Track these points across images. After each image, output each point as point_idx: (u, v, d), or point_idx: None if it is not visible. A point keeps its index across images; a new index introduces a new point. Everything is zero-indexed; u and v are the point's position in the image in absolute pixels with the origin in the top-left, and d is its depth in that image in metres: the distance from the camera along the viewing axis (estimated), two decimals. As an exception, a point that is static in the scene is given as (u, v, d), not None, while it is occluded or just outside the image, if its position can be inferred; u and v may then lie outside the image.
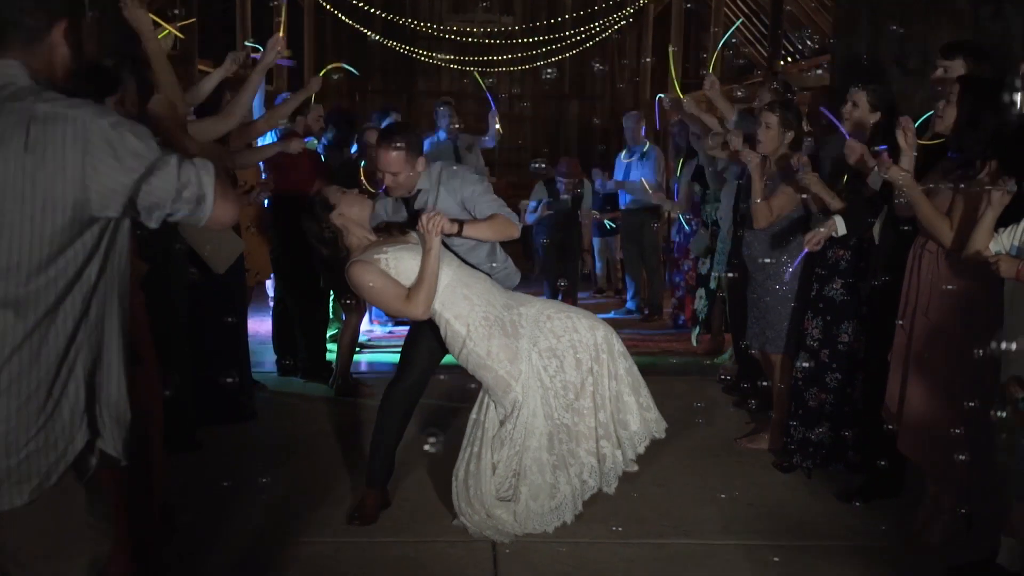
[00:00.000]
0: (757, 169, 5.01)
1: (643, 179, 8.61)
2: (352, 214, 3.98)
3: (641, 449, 4.24)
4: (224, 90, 5.26)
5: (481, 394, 4.16)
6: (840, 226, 4.48)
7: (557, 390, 4.07)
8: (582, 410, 4.12)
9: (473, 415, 4.17)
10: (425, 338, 4.24)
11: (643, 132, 9.06)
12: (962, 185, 3.81)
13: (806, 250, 4.57)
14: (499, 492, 4.05)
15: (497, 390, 4.02)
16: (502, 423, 4.05)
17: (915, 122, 4.27)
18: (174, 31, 4.62)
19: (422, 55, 15.83)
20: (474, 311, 3.96)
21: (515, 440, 4.01)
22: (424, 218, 3.81)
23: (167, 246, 4.53)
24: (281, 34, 4.43)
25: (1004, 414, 3.32)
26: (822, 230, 4.50)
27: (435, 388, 5.01)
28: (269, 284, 7.16)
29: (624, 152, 9.18)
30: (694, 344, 7.76)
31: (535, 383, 4.03)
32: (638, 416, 4.19)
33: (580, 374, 4.10)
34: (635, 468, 4.31)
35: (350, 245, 4.00)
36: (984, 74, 4.09)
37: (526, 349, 4.04)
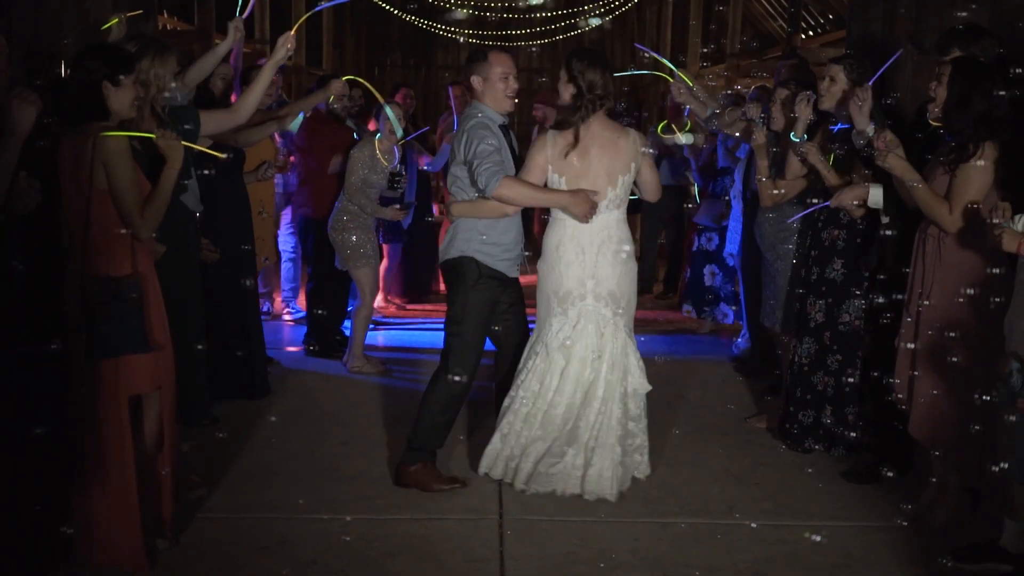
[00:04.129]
0: (761, 149, 5.01)
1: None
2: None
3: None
4: (231, 85, 5.28)
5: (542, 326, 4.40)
6: (878, 197, 4.33)
7: (585, 357, 4.32)
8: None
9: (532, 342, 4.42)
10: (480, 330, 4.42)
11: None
12: (955, 168, 3.80)
13: (828, 202, 4.50)
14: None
15: (544, 303, 4.32)
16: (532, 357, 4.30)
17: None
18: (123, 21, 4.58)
19: (441, 29, 15.76)
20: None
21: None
22: None
23: (182, 227, 4.58)
24: (292, 32, 4.41)
25: (995, 394, 3.34)
26: (857, 190, 4.39)
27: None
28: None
29: (663, 124, 8.83)
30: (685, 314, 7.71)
31: (587, 336, 4.29)
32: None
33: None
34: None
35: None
36: (982, 54, 4.03)
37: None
